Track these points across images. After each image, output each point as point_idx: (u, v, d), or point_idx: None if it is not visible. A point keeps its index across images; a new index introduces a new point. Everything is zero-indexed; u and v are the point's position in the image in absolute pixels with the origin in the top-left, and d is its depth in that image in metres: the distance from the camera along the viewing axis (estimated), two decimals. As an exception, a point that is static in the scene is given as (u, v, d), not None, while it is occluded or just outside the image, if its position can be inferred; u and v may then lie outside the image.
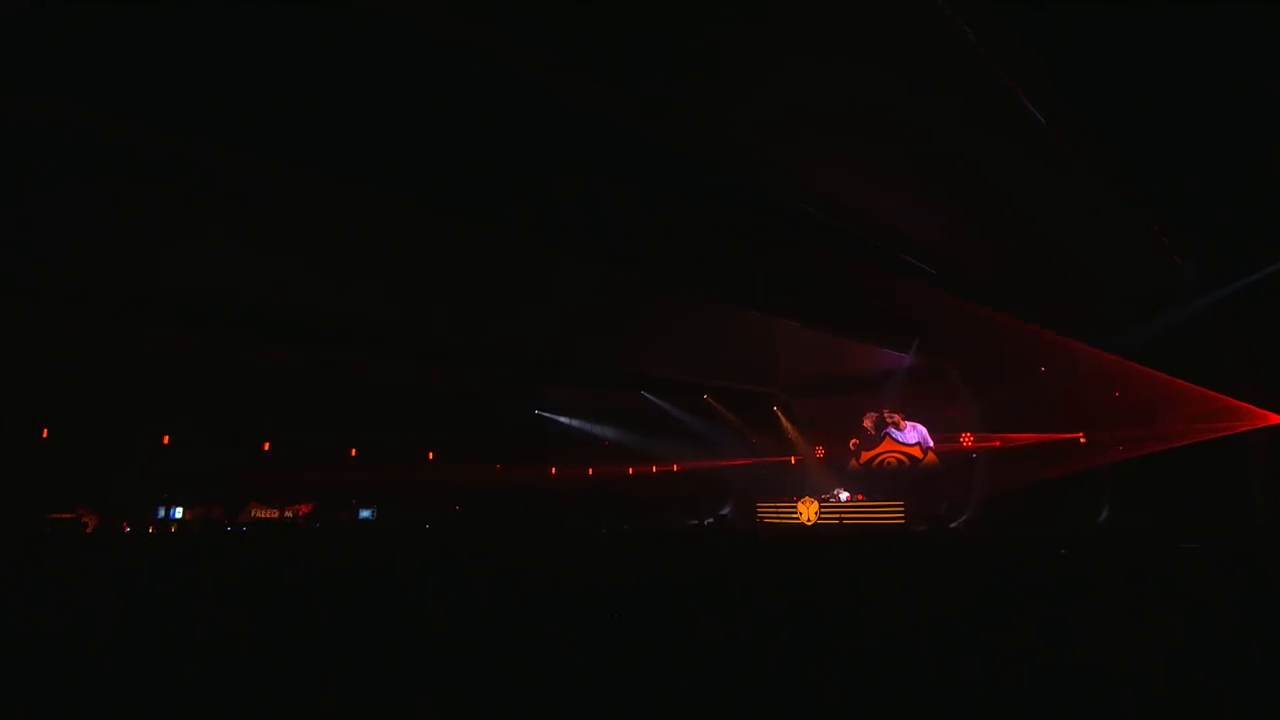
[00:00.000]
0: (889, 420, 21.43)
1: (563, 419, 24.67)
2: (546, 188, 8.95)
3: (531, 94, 6.83)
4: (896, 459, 21.30)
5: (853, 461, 22.15)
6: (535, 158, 8.08)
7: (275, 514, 18.69)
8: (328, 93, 7.56)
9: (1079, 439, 17.43)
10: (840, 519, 19.22)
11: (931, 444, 20.73)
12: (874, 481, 21.12)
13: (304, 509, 19.24)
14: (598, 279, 12.87)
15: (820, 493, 21.12)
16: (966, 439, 19.65)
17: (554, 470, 23.98)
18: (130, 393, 16.19)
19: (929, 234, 10.12)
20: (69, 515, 15.81)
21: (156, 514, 17.23)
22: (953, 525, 18.03)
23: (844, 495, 20.90)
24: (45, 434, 16.47)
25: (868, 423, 21.96)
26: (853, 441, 22.36)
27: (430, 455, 21.64)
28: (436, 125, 7.92)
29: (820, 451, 23.16)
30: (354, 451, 19.99)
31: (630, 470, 24.75)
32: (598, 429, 24.63)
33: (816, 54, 6.62)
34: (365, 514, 20.40)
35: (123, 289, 13.28)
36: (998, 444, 19.18)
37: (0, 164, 8.73)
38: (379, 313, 15.40)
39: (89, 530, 15.61)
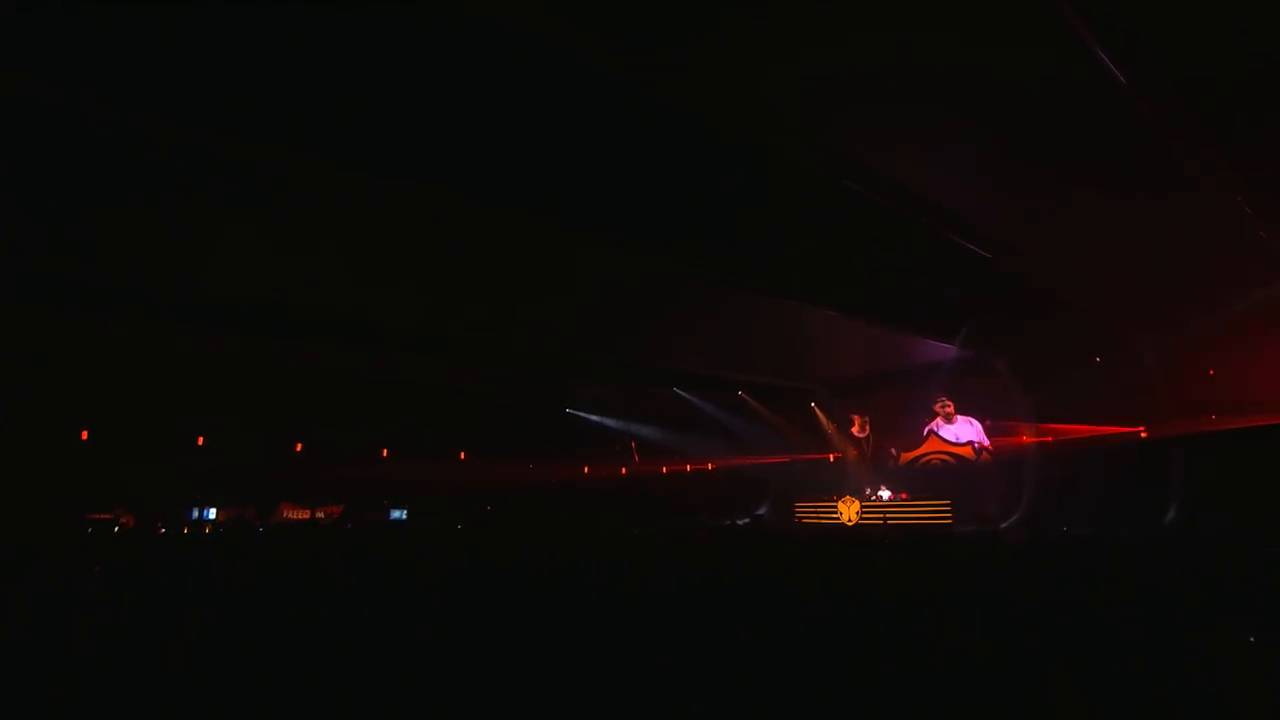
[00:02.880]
0: (940, 412, 20.36)
1: (595, 417, 24.32)
2: (574, 170, 8.54)
3: (556, 66, 6.39)
4: (942, 460, 20.33)
5: (890, 463, 21.28)
6: (560, 138, 7.66)
7: (307, 514, 18.69)
8: (356, 84, 7.27)
9: (1139, 433, 16.43)
10: (884, 519, 18.44)
11: (987, 442, 19.66)
12: (918, 480, 20.23)
13: (335, 510, 19.21)
14: (629, 271, 12.47)
15: (861, 492, 20.35)
16: (1017, 434, 18.71)
17: (586, 469, 23.65)
18: (166, 394, 16.29)
19: (984, 212, 9.41)
20: (107, 515, 15.98)
21: (190, 514, 17.33)
22: (1004, 525, 17.14)
23: (886, 494, 20.08)
24: (85, 435, 16.70)
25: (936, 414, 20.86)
26: (891, 450, 21.42)
27: (462, 455, 21.48)
28: (457, 109, 7.56)
29: (853, 452, 22.35)
30: (385, 452, 19.94)
31: (664, 469, 24.29)
32: (631, 427, 24.21)
33: (861, 13, 6.06)
34: (397, 514, 20.31)
35: (158, 291, 13.28)
36: (1050, 439, 18.22)
37: (36, 164, 8.66)
38: (410, 311, 15.21)
39: (126, 529, 15.73)
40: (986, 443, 19.59)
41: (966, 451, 19.75)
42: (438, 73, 6.98)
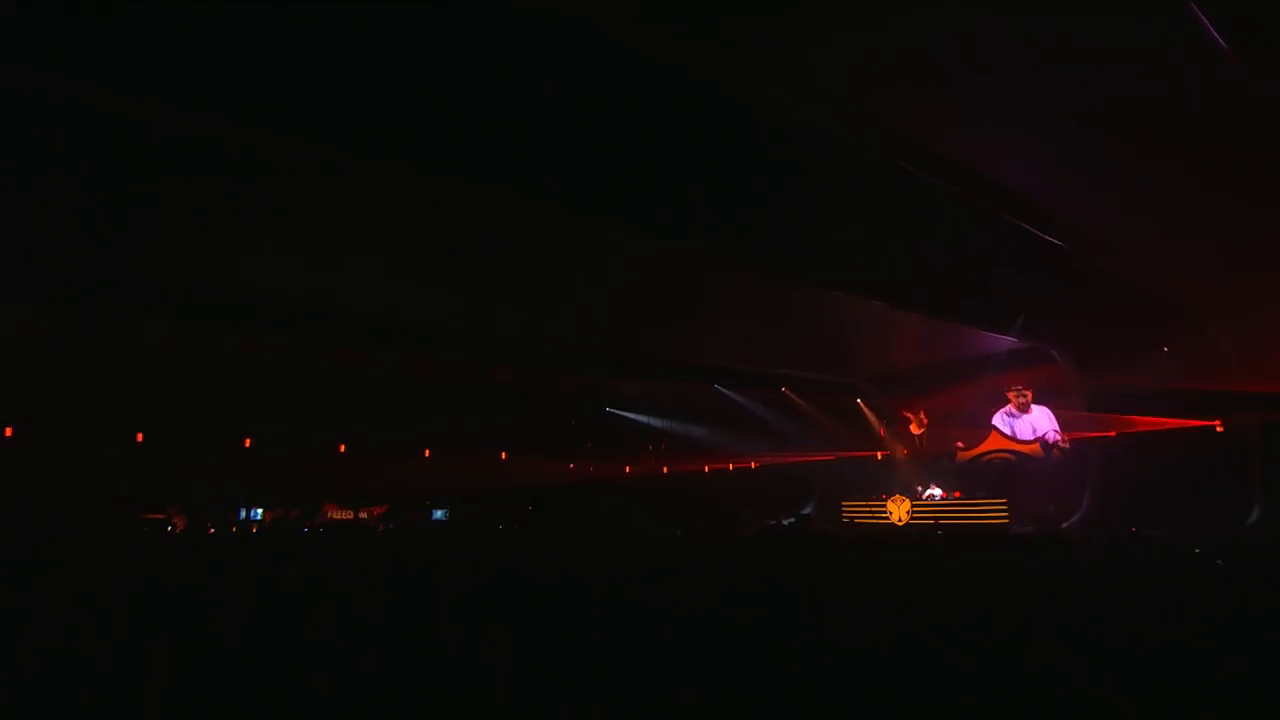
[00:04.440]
0: (1016, 400, 19.24)
1: (635, 416, 24.05)
2: (616, 160, 8.23)
3: (582, 37, 6.07)
4: (1003, 459, 19.34)
5: (945, 461, 20.41)
6: (601, 125, 7.37)
7: (350, 515, 18.87)
8: (389, 79, 7.14)
9: (1215, 426, 15.37)
10: (936, 519, 17.66)
11: (1057, 434, 18.51)
12: (971, 478, 19.34)
13: (378, 510, 19.36)
14: (670, 266, 12.19)
15: (910, 490, 19.57)
16: (1079, 429, 17.73)
17: (628, 469, 23.38)
18: (215, 397, 16.61)
19: (1045, 191, 8.77)
20: (161, 515, 16.36)
21: (238, 515, 17.66)
22: (1065, 525, 16.24)
23: (937, 493, 19.27)
24: (140, 438, 17.16)
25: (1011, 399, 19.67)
26: (959, 443, 20.51)
27: (503, 455, 21.43)
28: (495, 97, 7.33)
29: (904, 450, 21.54)
30: (427, 452, 20.03)
31: (706, 468, 23.85)
32: (671, 426, 23.87)
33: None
34: (438, 515, 20.38)
35: (207, 295, 13.52)
36: (1113, 434, 17.22)
37: (86, 169, 8.78)
38: (452, 311, 15.20)
39: (178, 530, 16.08)
40: (1056, 433, 18.44)
41: (1033, 449, 18.71)
42: (474, 61, 6.78)
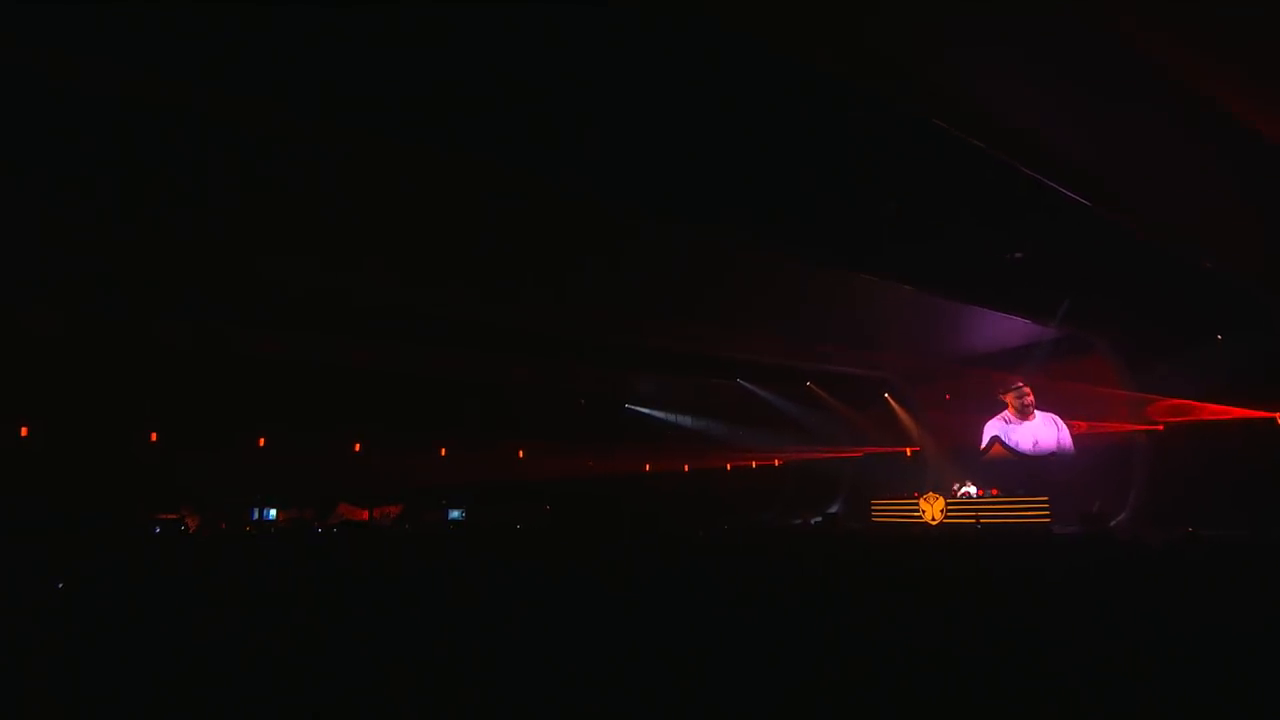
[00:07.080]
0: (1015, 403, 18.31)
1: (655, 413, 23.53)
2: (631, 135, 7.69)
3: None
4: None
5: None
6: (600, 91, 6.82)
7: (364, 515, 18.56)
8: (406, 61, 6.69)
9: (1276, 419, 14.43)
10: (977, 518, 16.82)
11: (1070, 444, 17.61)
12: (1010, 474, 18.46)
13: (393, 510, 19.03)
14: (688, 256, 11.64)
15: (943, 487, 18.74)
16: (1119, 422, 16.82)
17: (647, 468, 22.87)
18: (229, 396, 16.42)
19: (1089, 155, 8.01)
20: (174, 515, 16.17)
21: (252, 515, 17.44)
22: (1112, 524, 15.36)
23: (973, 490, 18.42)
24: (154, 438, 17.01)
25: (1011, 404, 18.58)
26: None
27: (520, 454, 21.04)
28: (515, 76, 6.84)
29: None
30: (444, 451, 19.71)
31: (728, 466, 23.23)
32: (692, 422, 23.30)
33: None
34: (454, 514, 20.03)
35: (223, 292, 13.26)
36: (1160, 428, 16.31)
37: (96, 160, 8.46)
38: (467, 308, 14.79)
39: (191, 530, 15.87)
40: (1070, 446, 17.52)
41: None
42: (489, 38, 6.30)
